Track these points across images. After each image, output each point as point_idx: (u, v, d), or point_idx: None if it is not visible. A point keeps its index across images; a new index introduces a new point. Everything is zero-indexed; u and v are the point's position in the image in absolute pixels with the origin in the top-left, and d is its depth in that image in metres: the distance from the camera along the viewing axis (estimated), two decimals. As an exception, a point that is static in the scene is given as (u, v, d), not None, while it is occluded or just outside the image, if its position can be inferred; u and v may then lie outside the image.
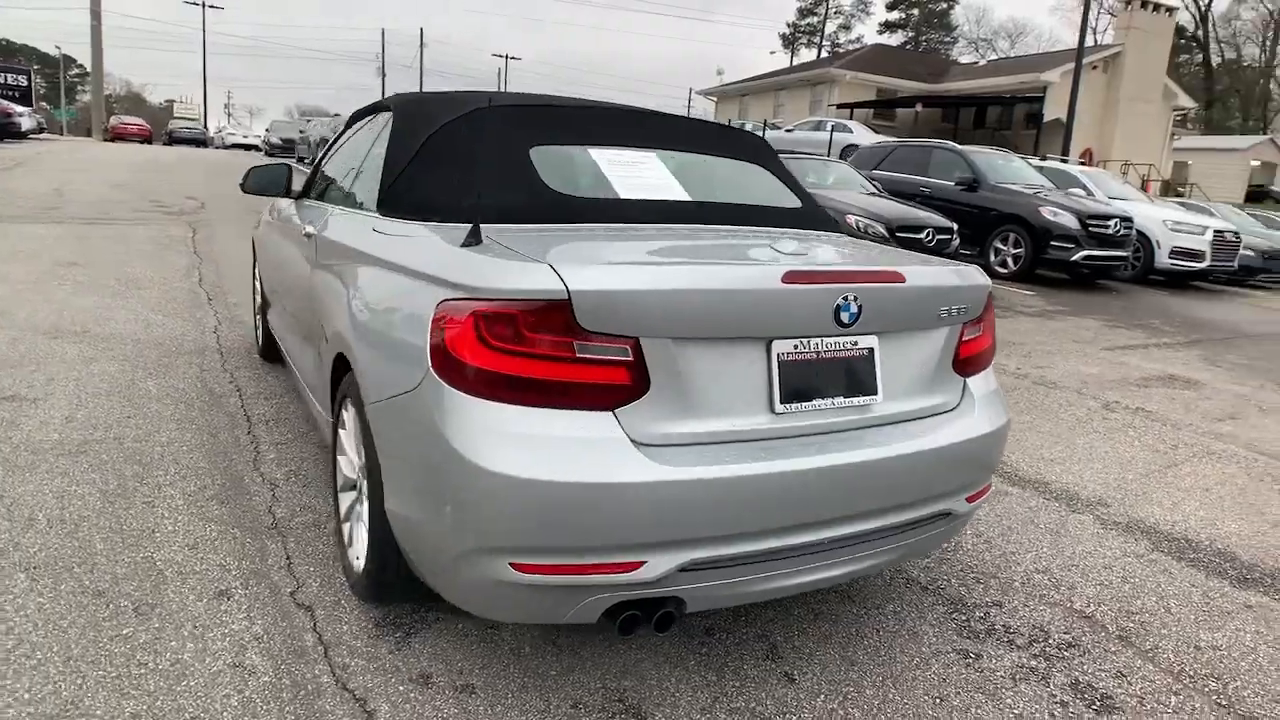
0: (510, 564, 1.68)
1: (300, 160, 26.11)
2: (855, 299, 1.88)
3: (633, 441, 1.69)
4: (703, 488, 1.70)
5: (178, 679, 1.91)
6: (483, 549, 1.69)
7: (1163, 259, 11.41)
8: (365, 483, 2.24)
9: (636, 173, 2.44)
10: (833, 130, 22.54)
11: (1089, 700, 2.12)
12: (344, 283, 2.35)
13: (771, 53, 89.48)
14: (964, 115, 29.87)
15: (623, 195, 2.32)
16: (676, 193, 2.42)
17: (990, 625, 2.44)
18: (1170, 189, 27.56)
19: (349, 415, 2.32)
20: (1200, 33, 51.09)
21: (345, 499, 2.46)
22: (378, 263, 2.18)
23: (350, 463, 2.38)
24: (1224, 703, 2.16)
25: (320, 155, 3.59)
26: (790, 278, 1.80)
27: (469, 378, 1.69)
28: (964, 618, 2.47)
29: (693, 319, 1.74)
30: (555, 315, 1.66)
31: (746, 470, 1.74)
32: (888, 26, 64.67)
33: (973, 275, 2.19)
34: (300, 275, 3.01)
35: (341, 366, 2.37)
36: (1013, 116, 28.50)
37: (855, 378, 1.96)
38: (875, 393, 1.99)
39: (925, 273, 2.03)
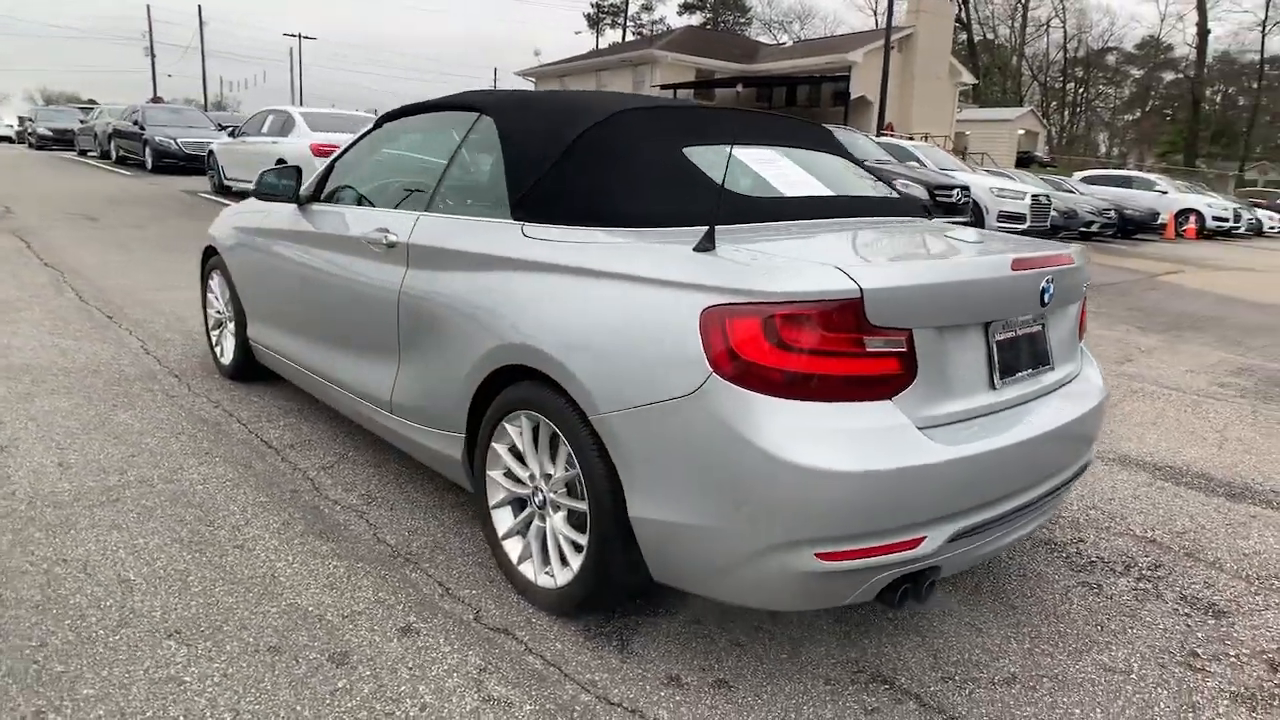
0: (815, 554, 1.74)
1: (83, 153, 23.15)
2: (1053, 281, 2.08)
3: (916, 426, 1.80)
4: (969, 463, 1.84)
5: (437, 722, 1.81)
6: (788, 542, 1.74)
7: (991, 222, 12.76)
8: (547, 494, 2.20)
9: (780, 170, 2.51)
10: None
11: (1203, 610, 2.48)
12: (506, 293, 2.24)
13: (577, 33, 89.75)
14: (776, 94, 31.53)
15: (786, 193, 2.39)
16: (818, 188, 2.51)
17: (1089, 559, 2.76)
18: (963, 158, 30.57)
19: (518, 427, 2.24)
20: (963, 14, 56.69)
21: (503, 516, 2.38)
22: (566, 270, 2.11)
23: (516, 475, 2.30)
24: (1288, 596, 2.60)
25: (336, 158, 3.33)
26: (1016, 265, 1.97)
27: (766, 378, 1.73)
28: (1064, 555, 2.78)
29: (949, 308, 1.87)
30: (848, 313, 1.73)
31: (997, 443, 1.90)
32: (687, 8, 66.71)
33: (1085, 253, 2.47)
34: (365, 287, 2.81)
35: (499, 379, 2.28)
36: (821, 95, 30.46)
37: (1038, 352, 2.18)
38: (1050, 364, 2.22)
39: (1075, 254, 2.28)
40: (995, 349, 2.02)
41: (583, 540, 2.11)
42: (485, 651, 2.07)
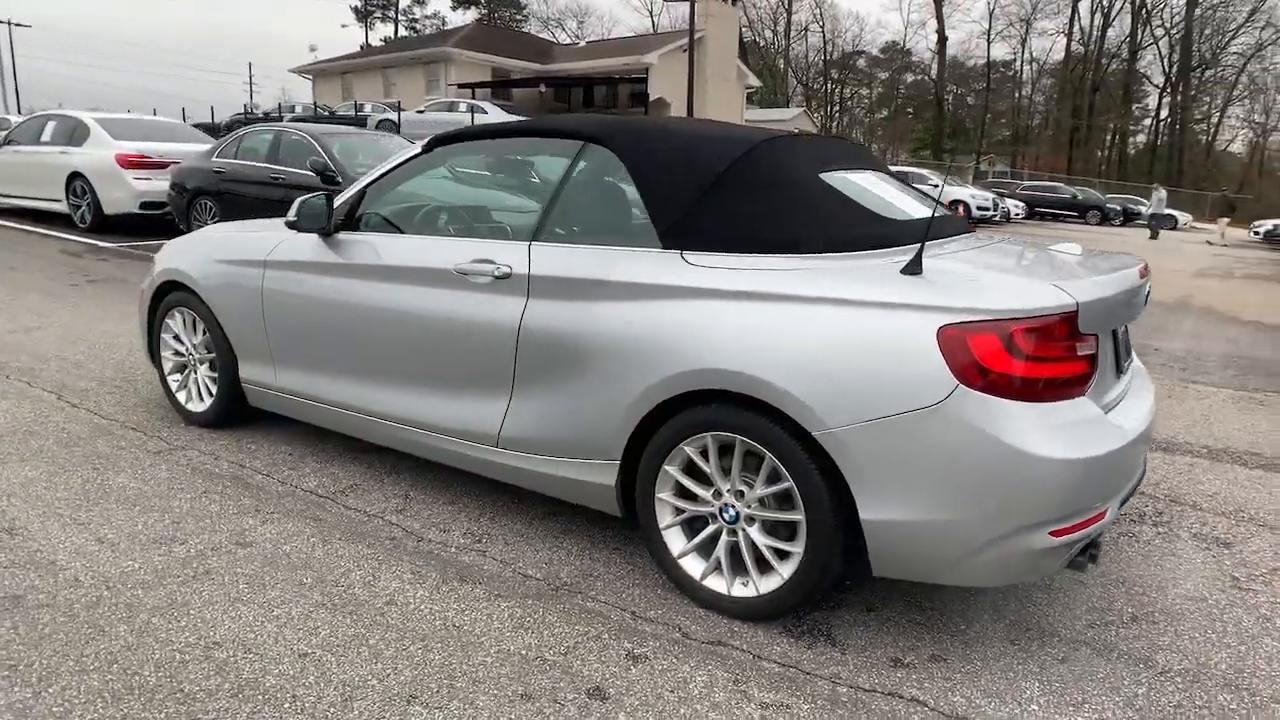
0: (1049, 532, 2.03)
1: None
2: (1149, 286, 2.51)
3: (1105, 415, 2.14)
4: (1135, 441, 2.22)
5: (735, 736, 1.91)
6: (1031, 525, 2.01)
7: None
8: (741, 509, 2.32)
9: (889, 193, 2.76)
10: (471, 111, 22.73)
11: (1216, 543, 3.05)
12: (679, 321, 2.32)
13: (344, 26, 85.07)
14: (575, 95, 31.96)
15: (909, 215, 2.64)
16: (918, 209, 2.79)
17: (1206, 534, 3.12)
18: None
19: (699, 449, 2.34)
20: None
21: (675, 536, 2.46)
22: (757, 296, 2.24)
23: (693, 494, 2.40)
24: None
25: (370, 183, 3.16)
26: (1141, 273, 2.38)
27: (1008, 385, 1.98)
28: (1183, 533, 3.19)
29: (1119, 313, 2.24)
30: (1066, 324, 2.03)
31: (1141, 421, 2.30)
32: (461, 2, 65.42)
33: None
34: (462, 321, 2.74)
35: (669, 407, 2.36)
36: (619, 96, 31.28)
37: (1128, 344, 2.61)
38: (1131, 358, 2.66)
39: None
40: (1115, 347, 2.42)
41: (790, 548, 2.26)
42: (721, 664, 2.17)
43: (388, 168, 3.16)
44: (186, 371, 3.82)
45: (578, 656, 2.18)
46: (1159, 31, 44.17)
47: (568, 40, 51.21)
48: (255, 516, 2.92)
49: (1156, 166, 46.54)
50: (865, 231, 2.40)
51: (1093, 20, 45.21)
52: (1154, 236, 23.73)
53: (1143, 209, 29.95)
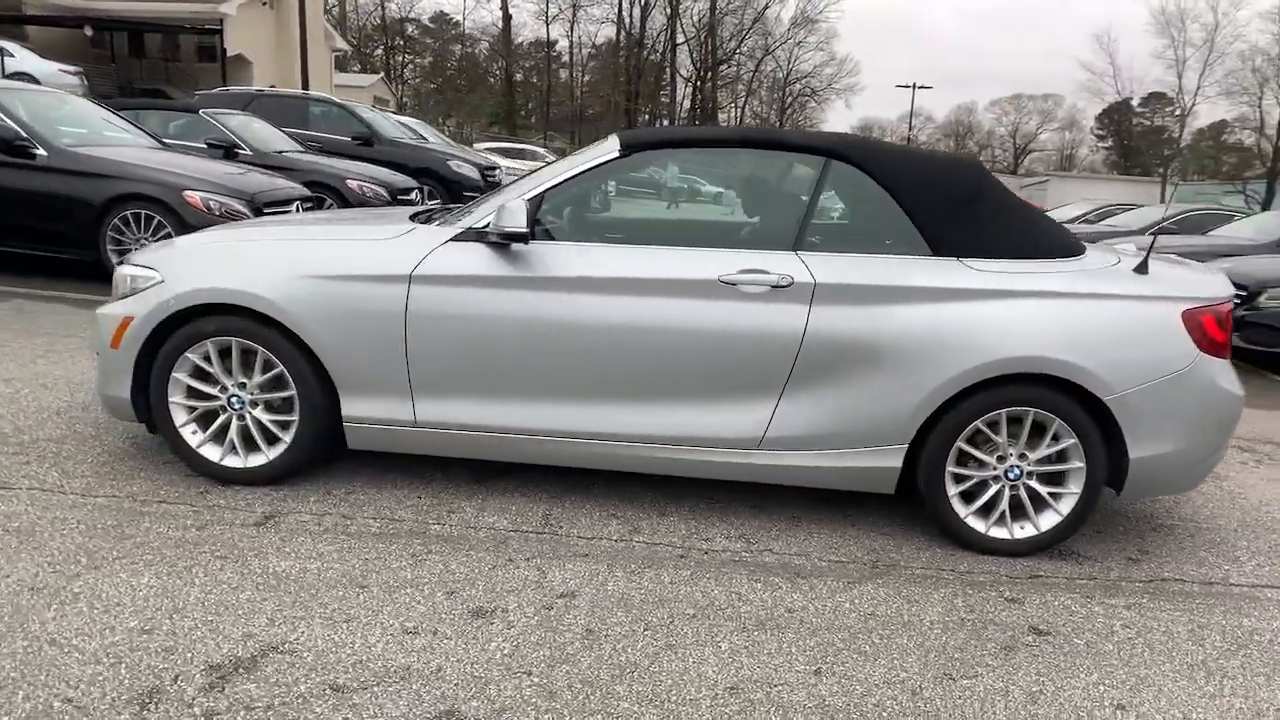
0: (1229, 446, 2.99)
1: None
2: None
3: None
4: None
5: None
6: (1224, 443, 2.94)
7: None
8: (1024, 468, 2.91)
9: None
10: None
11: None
12: (976, 318, 2.77)
13: None
14: (118, 42, 26.66)
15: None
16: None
17: None
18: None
19: (995, 424, 2.84)
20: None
21: (959, 502, 2.93)
22: (1043, 295, 2.80)
23: (982, 462, 2.90)
24: None
25: (550, 188, 2.90)
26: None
27: (1219, 350, 2.87)
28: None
29: None
30: (1232, 305, 2.97)
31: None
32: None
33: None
34: (735, 331, 2.81)
35: (967, 391, 2.81)
36: (181, 48, 26.97)
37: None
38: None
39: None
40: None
41: (1065, 491, 2.90)
42: (1045, 587, 2.74)
43: (573, 172, 2.94)
44: (223, 419, 3.01)
45: (974, 612, 2.57)
46: (690, 29, 51.45)
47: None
48: (527, 566, 2.62)
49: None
50: (1060, 239, 3.09)
51: (633, 11, 50.85)
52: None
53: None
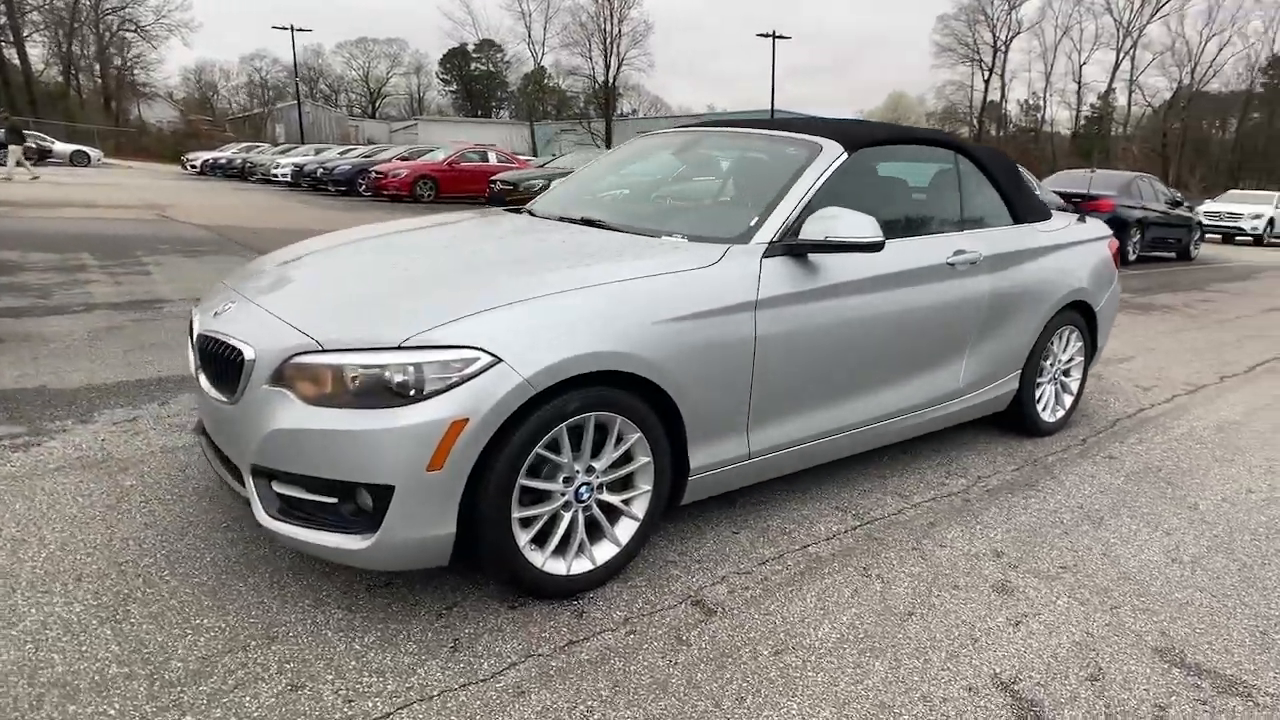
0: (1103, 328, 4.58)
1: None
2: None
3: None
4: None
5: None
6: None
7: None
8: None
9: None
10: None
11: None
12: (1056, 266, 3.76)
13: None
14: None
15: None
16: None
17: None
18: None
19: (1062, 336, 3.93)
20: None
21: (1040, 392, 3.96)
22: (1076, 244, 3.93)
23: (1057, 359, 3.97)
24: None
25: (811, 191, 2.87)
26: None
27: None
28: None
29: None
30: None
31: None
32: None
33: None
34: (945, 305, 3.26)
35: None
36: None
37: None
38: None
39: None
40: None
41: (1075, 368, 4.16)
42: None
43: (819, 182, 2.93)
44: (568, 518, 2.35)
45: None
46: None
47: None
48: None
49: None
50: (1047, 204, 4.22)
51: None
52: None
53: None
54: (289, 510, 2.19)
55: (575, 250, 2.71)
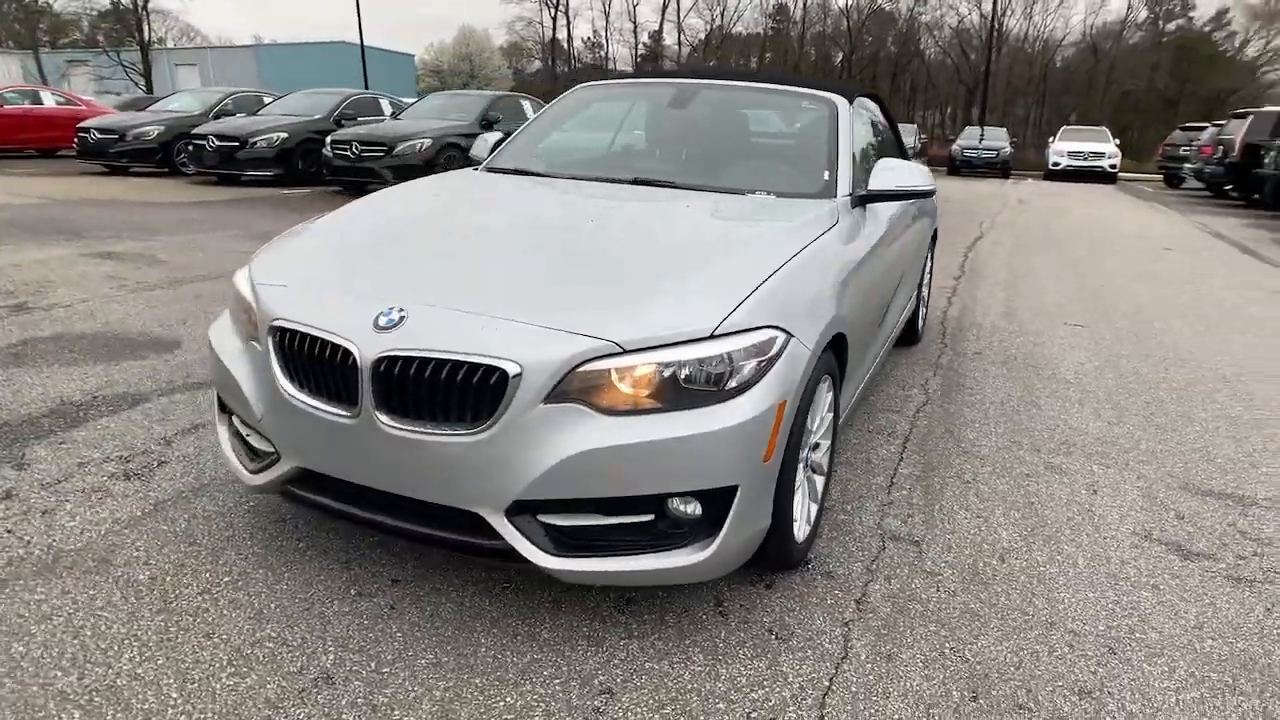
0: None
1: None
2: None
3: None
4: None
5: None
6: None
7: None
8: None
9: None
10: None
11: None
12: None
13: None
14: None
15: None
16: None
17: None
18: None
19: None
20: None
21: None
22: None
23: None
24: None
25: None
26: None
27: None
28: None
29: None
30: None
31: None
32: None
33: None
34: (916, 242, 3.80)
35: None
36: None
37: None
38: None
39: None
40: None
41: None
42: None
43: (854, 135, 3.16)
44: (803, 485, 2.38)
45: None
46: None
47: None
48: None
49: None
50: None
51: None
52: None
53: None
54: (563, 543, 1.91)
55: (711, 215, 2.64)
